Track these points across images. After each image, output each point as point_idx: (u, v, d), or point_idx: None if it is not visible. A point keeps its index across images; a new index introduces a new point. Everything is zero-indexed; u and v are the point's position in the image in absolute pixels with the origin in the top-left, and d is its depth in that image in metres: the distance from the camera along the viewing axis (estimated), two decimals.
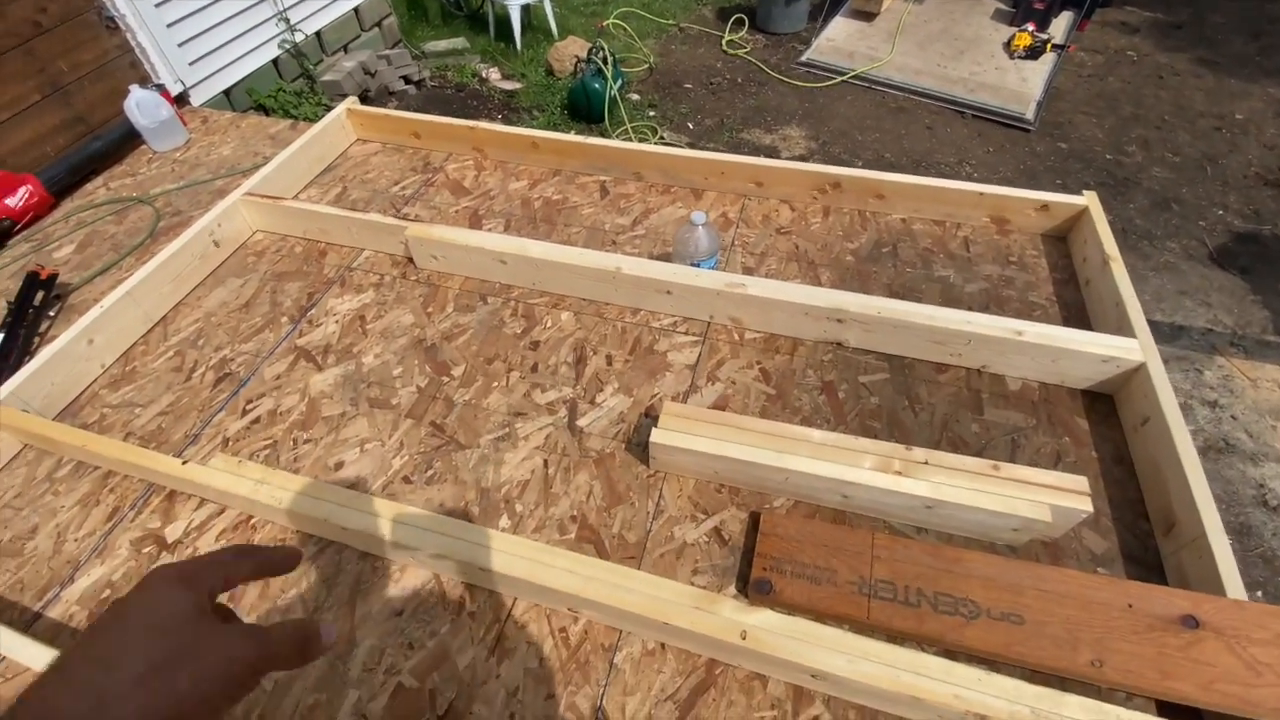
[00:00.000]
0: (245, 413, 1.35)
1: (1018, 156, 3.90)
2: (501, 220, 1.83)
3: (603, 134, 3.98)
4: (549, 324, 1.53)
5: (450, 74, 4.55)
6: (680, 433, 1.16)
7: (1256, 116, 4.28)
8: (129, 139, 2.18)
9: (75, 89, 2.16)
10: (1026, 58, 4.45)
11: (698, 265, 1.51)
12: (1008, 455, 1.26)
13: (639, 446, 1.27)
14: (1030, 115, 4.09)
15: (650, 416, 1.32)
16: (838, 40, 4.75)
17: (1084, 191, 1.73)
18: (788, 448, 1.14)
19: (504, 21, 4.91)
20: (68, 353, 1.37)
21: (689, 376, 1.39)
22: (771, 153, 3.88)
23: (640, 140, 3.88)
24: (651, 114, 4.15)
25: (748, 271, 1.64)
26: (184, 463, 1.13)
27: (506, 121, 4.21)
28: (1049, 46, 4.45)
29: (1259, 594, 2.25)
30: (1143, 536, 1.15)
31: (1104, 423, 1.34)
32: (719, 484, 1.21)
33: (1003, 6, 5.01)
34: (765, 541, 1.08)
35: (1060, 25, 4.75)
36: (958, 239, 1.74)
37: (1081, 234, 1.68)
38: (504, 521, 1.16)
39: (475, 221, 1.83)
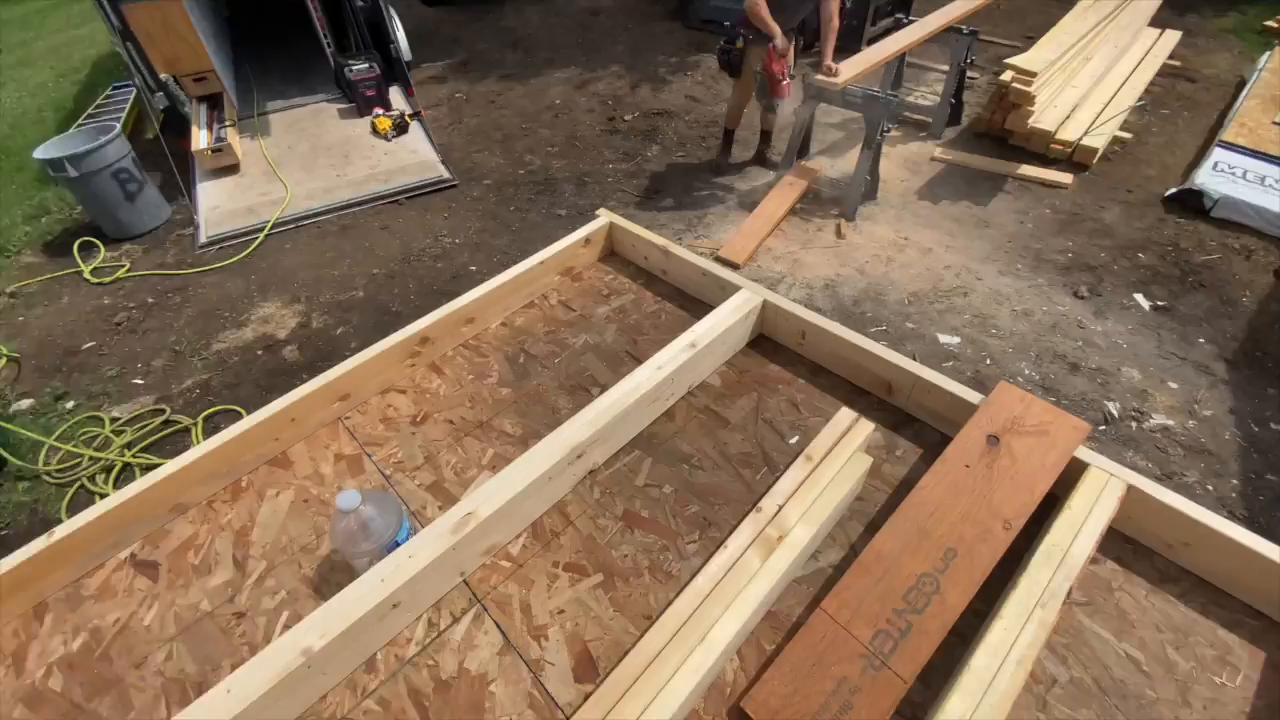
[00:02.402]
0: None
1: (470, 209, 4.23)
2: None
3: (20, 476, 2.64)
4: None
5: None
6: None
7: (565, 96, 5.62)
8: None
9: None
10: (398, 135, 4.78)
11: (397, 546, 1.10)
12: (803, 438, 1.34)
13: None
14: (448, 174, 4.45)
15: None
16: (222, 205, 4.19)
17: (598, 212, 1.91)
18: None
19: None
20: None
21: (531, 666, 1.02)
22: (266, 342, 3.24)
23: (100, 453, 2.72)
24: (71, 406, 2.94)
25: (421, 506, 1.29)
26: None
27: None
28: (408, 118, 4.86)
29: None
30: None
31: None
32: None
33: (341, 106, 5.21)
34: None
35: (398, 99, 5.23)
36: (553, 305, 1.73)
37: (626, 243, 1.87)
38: None
39: None
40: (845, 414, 1.21)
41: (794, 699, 0.90)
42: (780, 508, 1.07)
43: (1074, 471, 1.11)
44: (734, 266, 3.46)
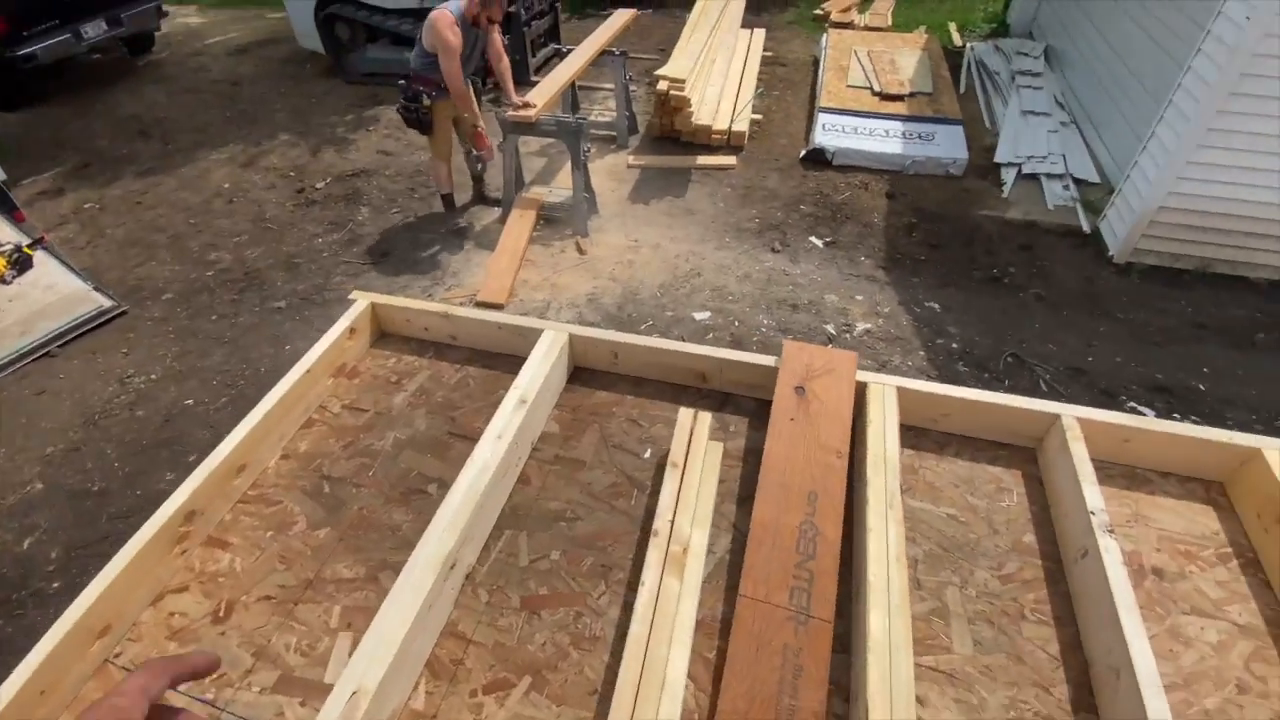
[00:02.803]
0: None
1: (156, 334, 3.44)
2: None
3: None
4: None
5: None
6: None
7: (234, 178, 4.90)
8: None
9: None
10: (19, 273, 3.63)
11: None
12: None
13: None
14: (109, 301, 3.52)
15: None
16: None
17: (351, 295, 1.73)
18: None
19: None
20: None
21: None
22: None
23: None
24: None
25: None
26: None
27: None
28: (26, 250, 3.71)
29: None
30: None
31: None
32: None
33: None
34: None
35: (4, 230, 3.94)
36: (338, 413, 1.53)
37: (399, 320, 1.72)
38: None
39: None
40: (685, 413, 1.31)
41: (755, 689, 0.95)
42: (672, 523, 1.12)
43: (859, 393, 1.36)
44: (498, 307, 3.42)
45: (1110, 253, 4.12)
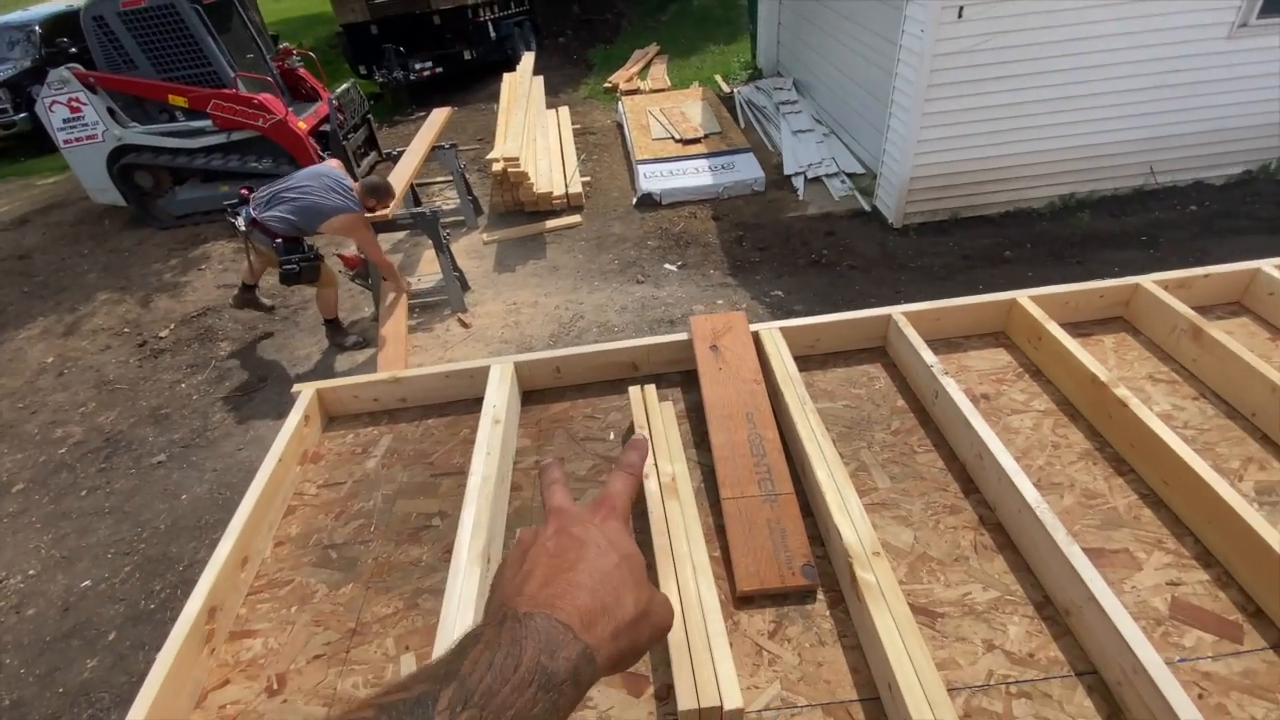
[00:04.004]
0: None
1: (16, 527, 3.02)
2: None
3: None
4: None
5: None
6: None
7: (57, 350, 4.45)
8: None
9: None
10: None
11: None
12: None
13: None
14: None
15: None
16: None
17: (294, 390, 1.82)
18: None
19: None
20: None
21: None
22: None
23: None
24: None
25: None
26: None
27: None
28: None
29: None
30: None
31: None
32: None
33: None
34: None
35: None
36: (316, 493, 1.62)
37: (347, 398, 1.84)
38: None
39: None
40: (634, 390, 1.60)
41: (758, 554, 1.25)
42: (656, 466, 1.39)
43: (756, 340, 1.75)
44: None
45: (890, 221, 5.11)
